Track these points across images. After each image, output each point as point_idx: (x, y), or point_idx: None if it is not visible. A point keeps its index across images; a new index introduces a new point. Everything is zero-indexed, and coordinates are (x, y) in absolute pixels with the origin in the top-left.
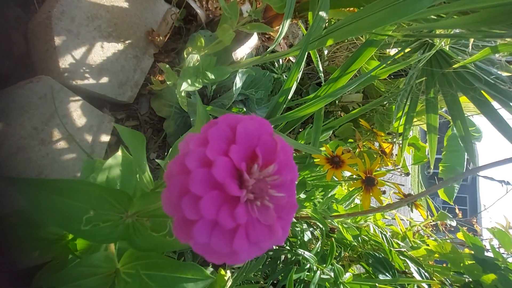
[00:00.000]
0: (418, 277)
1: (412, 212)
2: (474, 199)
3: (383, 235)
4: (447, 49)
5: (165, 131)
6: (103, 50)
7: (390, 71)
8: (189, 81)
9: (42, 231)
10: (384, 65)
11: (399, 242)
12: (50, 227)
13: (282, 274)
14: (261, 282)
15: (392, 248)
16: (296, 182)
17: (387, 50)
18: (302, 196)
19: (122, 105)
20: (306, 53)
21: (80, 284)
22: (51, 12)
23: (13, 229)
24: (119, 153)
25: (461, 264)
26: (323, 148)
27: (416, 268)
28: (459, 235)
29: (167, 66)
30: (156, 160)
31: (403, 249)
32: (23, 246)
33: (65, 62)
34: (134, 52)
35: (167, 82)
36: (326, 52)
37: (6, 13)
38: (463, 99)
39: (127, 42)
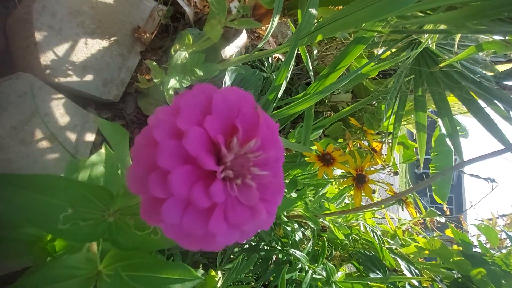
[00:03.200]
0: (408, 275)
1: (403, 210)
2: (459, 198)
3: (374, 233)
4: (434, 48)
5: None
6: (87, 47)
7: (379, 69)
8: (177, 78)
9: (17, 233)
10: (373, 62)
11: (389, 240)
12: (27, 228)
13: (274, 275)
14: (252, 283)
15: (383, 246)
16: (287, 181)
17: (376, 50)
18: (293, 195)
19: (108, 104)
20: (296, 49)
21: (58, 286)
22: (31, 7)
23: None
24: (102, 150)
25: (451, 260)
26: (314, 147)
27: (406, 266)
28: (448, 232)
29: (154, 63)
30: None
31: (393, 247)
32: None
33: (47, 58)
34: (119, 49)
35: (154, 80)
36: (315, 51)
37: None
38: (450, 99)
39: (112, 39)
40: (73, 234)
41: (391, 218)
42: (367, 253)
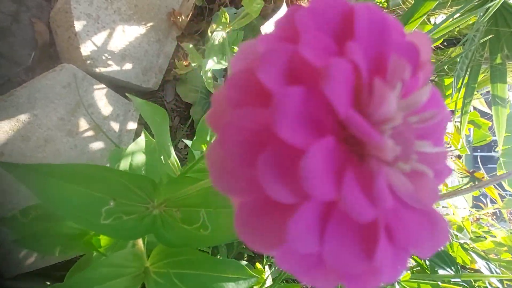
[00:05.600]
0: (488, 274)
1: (485, 200)
2: None
3: None
4: None
5: (192, 118)
6: (125, 35)
7: (445, 30)
8: (215, 59)
9: (63, 226)
10: (447, 21)
11: (457, 233)
12: (71, 221)
13: None
14: None
15: (454, 240)
16: None
17: (439, 11)
18: None
19: (148, 93)
20: None
21: (105, 287)
22: None
23: (33, 225)
24: (142, 137)
25: None
26: None
27: (485, 264)
28: None
29: (191, 45)
30: (183, 140)
31: (462, 241)
32: (43, 242)
33: (87, 48)
34: (156, 35)
35: (192, 64)
36: None
37: (27, 1)
38: None
39: (149, 25)
40: (116, 230)
41: (444, 207)
42: None
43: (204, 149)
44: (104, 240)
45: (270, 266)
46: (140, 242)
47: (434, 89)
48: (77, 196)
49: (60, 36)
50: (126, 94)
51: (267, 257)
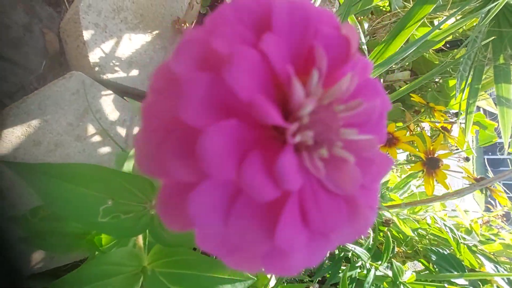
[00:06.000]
0: (497, 277)
1: (494, 200)
2: None
3: (447, 228)
4: None
5: None
6: (131, 43)
7: (449, 32)
8: None
9: (66, 225)
10: (454, 19)
11: (465, 236)
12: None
13: (330, 272)
14: (306, 279)
15: (461, 243)
16: None
17: (441, 14)
18: None
19: None
20: (348, 16)
21: (102, 284)
22: (78, 7)
23: (41, 224)
24: None
25: None
26: None
27: (493, 266)
28: None
29: None
30: None
31: (470, 244)
32: (48, 241)
33: (95, 56)
34: (162, 43)
35: None
36: (366, 26)
37: (39, 13)
38: None
39: (154, 33)
40: (114, 229)
41: (453, 210)
42: (441, 250)
43: None
44: (105, 239)
45: None
46: (140, 241)
47: (374, 80)
48: (77, 195)
49: (69, 45)
50: (125, 97)
51: None
